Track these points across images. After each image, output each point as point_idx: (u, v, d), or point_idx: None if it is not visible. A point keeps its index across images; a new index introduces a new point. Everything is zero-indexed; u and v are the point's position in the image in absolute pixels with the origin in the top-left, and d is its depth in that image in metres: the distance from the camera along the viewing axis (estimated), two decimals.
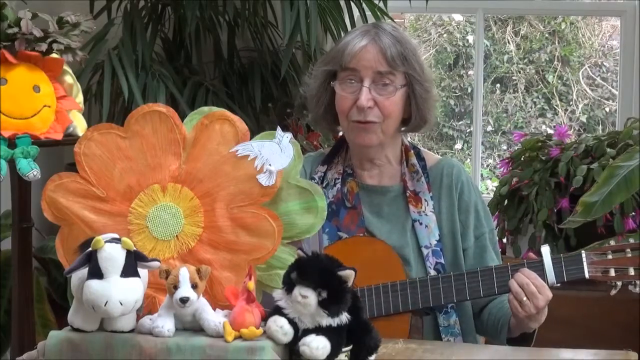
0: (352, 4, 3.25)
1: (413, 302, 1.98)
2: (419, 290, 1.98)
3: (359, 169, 2.16)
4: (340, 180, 2.15)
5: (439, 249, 2.08)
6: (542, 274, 1.96)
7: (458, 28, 5.54)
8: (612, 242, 2.00)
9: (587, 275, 1.96)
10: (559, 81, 5.35)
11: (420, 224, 2.09)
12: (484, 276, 1.98)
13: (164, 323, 1.51)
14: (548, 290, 1.94)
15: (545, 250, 1.99)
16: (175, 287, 1.50)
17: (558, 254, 2.02)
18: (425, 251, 2.07)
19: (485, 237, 2.13)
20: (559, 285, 1.97)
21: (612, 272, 1.96)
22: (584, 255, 1.97)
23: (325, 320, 1.48)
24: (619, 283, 1.97)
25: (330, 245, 2.06)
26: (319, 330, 1.48)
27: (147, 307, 1.60)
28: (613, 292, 1.98)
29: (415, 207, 2.10)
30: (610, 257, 1.97)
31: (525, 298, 1.92)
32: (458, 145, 5.52)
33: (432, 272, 2.05)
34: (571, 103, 5.36)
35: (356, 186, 2.13)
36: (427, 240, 2.08)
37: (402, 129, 2.14)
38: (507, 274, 1.97)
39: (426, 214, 2.10)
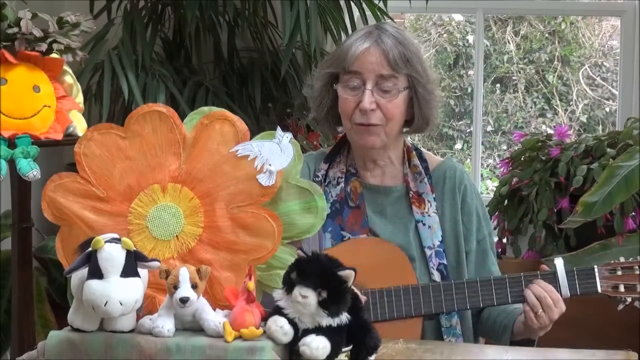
0: (352, 4, 3.25)
1: (426, 307, 1.98)
2: (431, 295, 1.98)
3: (362, 169, 2.16)
4: (343, 179, 2.15)
5: (441, 249, 2.08)
6: (555, 286, 1.96)
7: (458, 28, 5.54)
8: (622, 259, 2.01)
9: (599, 289, 1.97)
10: (559, 81, 5.35)
11: (424, 224, 2.09)
12: (497, 285, 1.98)
13: (164, 323, 1.51)
14: (563, 304, 1.95)
15: (559, 262, 1.99)
16: (175, 287, 1.50)
17: (559, 254, 2.03)
18: (428, 252, 2.07)
19: (486, 240, 2.14)
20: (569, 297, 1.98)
21: (622, 288, 1.98)
22: (596, 269, 1.98)
23: (325, 320, 1.48)
24: (628, 299, 1.98)
25: (337, 245, 2.06)
26: (319, 330, 1.48)
27: (147, 307, 1.60)
28: (621, 307, 1.99)
29: (419, 208, 2.10)
30: (620, 273, 1.99)
31: (541, 310, 1.93)
32: (458, 145, 5.52)
33: (435, 273, 2.05)
34: (571, 103, 5.36)
35: (360, 185, 2.13)
36: (430, 241, 2.08)
37: (405, 130, 2.14)
38: (520, 284, 1.98)
39: (429, 215, 2.10)
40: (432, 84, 2.10)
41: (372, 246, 2.06)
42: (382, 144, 2.09)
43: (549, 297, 1.94)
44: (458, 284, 2.00)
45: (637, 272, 1.98)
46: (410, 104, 2.09)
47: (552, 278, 1.98)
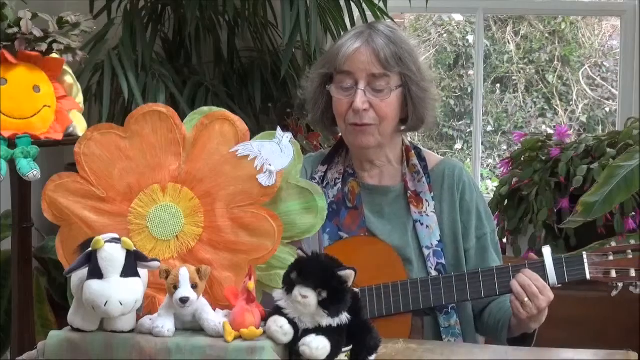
0: (352, 4, 3.25)
1: (414, 303, 1.98)
2: (419, 290, 1.98)
3: (360, 170, 2.16)
4: (341, 180, 2.15)
5: (440, 249, 2.08)
6: (543, 274, 1.96)
7: (458, 28, 5.53)
8: (613, 244, 2.00)
9: (588, 276, 1.96)
10: (559, 81, 5.34)
11: (422, 224, 2.09)
12: (485, 277, 1.98)
13: (164, 323, 1.51)
14: (550, 291, 1.94)
15: (547, 251, 1.99)
16: (175, 287, 1.50)
17: (558, 254, 2.02)
18: (426, 252, 2.07)
19: (486, 237, 2.13)
20: (559, 286, 1.97)
21: (613, 274, 1.97)
22: (585, 256, 1.97)
23: (325, 320, 1.48)
24: (620, 284, 1.97)
25: (331, 245, 2.06)
26: (319, 330, 1.48)
27: (147, 307, 1.60)
28: (614, 293, 1.99)
29: (417, 208, 2.10)
30: (611, 258, 1.98)
31: (526, 299, 1.92)
32: (458, 145, 5.51)
33: (434, 273, 2.05)
34: (571, 103, 5.35)
35: (357, 186, 2.13)
36: (428, 241, 2.08)
37: (402, 128, 2.14)
38: (508, 274, 1.97)
39: (427, 215, 2.10)
40: (426, 82, 2.09)
41: (364, 245, 2.06)
42: (377, 143, 2.09)
43: (533, 285, 1.93)
44: (446, 278, 2.00)
45: (630, 256, 1.97)
46: (404, 103, 2.09)
47: (540, 267, 1.97)
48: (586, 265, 1.96)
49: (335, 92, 2.09)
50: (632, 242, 1.99)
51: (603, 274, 1.97)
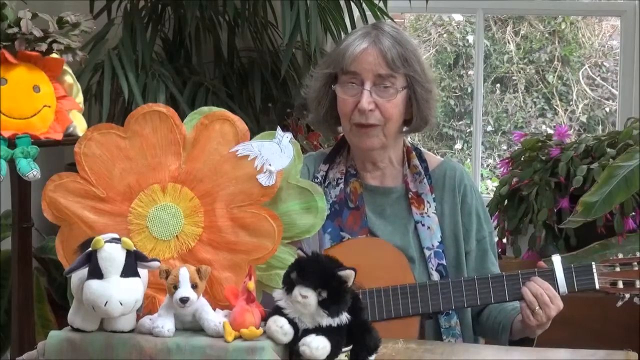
0: (352, 4, 3.25)
1: (423, 306, 1.98)
2: (429, 294, 1.98)
3: (362, 170, 2.16)
4: (342, 180, 2.15)
5: (441, 250, 2.08)
6: (552, 283, 1.96)
7: (458, 28, 5.53)
8: (620, 255, 2.02)
9: (597, 286, 1.98)
10: (559, 81, 5.34)
11: (423, 225, 2.09)
12: (495, 283, 1.98)
13: (164, 323, 1.51)
14: (560, 301, 1.95)
15: (556, 259, 2.00)
16: (175, 287, 1.50)
17: (559, 254, 2.03)
18: (427, 252, 2.07)
19: (485, 241, 2.14)
20: (567, 294, 1.98)
21: (620, 284, 1.98)
22: (594, 266, 1.98)
23: (325, 320, 1.49)
24: (627, 295, 1.98)
25: (336, 246, 2.06)
26: (319, 330, 1.48)
27: (147, 307, 1.60)
28: (620, 303, 2.00)
29: (418, 209, 2.10)
30: (618, 269, 1.99)
31: (538, 307, 1.93)
32: (458, 145, 5.51)
33: (434, 274, 2.05)
34: (571, 103, 5.35)
35: (360, 187, 2.13)
36: (429, 242, 2.08)
37: (404, 129, 2.14)
38: (518, 281, 1.97)
39: (428, 216, 2.10)
40: (430, 83, 2.10)
41: (370, 246, 2.06)
42: (381, 144, 2.09)
43: (545, 294, 1.94)
44: (455, 282, 2.00)
45: (636, 268, 1.99)
46: (409, 104, 2.09)
47: (550, 275, 1.98)
48: (595, 275, 1.97)
49: (341, 92, 2.09)
50: (638, 254, 2.01)
51: (610, 285, 1.98)
